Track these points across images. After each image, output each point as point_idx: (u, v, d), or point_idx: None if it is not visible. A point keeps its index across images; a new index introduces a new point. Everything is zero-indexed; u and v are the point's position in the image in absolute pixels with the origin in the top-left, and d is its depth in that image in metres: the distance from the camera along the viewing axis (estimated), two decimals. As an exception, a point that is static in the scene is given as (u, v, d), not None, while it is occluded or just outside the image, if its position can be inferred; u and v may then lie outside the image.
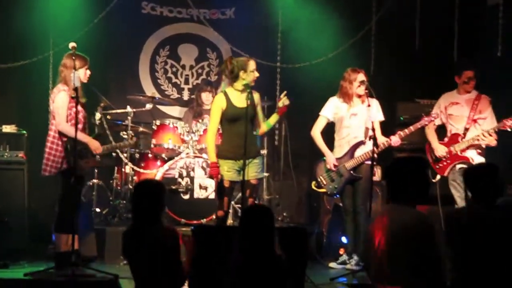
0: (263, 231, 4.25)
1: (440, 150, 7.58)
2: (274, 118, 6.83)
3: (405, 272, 4.43)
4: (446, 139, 7.64)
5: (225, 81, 6.80)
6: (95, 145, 6.77)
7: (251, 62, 6.65)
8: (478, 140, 7.39)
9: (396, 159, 4.73)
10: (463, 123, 7.57)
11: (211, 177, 6.79)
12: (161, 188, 4.95)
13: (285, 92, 6.80)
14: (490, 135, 7.36)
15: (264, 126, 6.80)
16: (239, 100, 6.61)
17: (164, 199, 4.89)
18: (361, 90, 7.13)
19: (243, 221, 4.34)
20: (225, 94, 6.66)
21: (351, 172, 7.14)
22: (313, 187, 7.35)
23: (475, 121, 7.51)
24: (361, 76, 7.13)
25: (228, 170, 6.60)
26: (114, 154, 8.17)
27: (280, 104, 6.69)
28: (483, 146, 7.44)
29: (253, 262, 4.17)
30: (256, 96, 6.71)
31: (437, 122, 7.68)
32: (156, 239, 4.75)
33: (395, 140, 7.16)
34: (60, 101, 6.54)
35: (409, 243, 4.40)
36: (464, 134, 7.52)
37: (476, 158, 7.47)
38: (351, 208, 7.18)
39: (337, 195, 7.34)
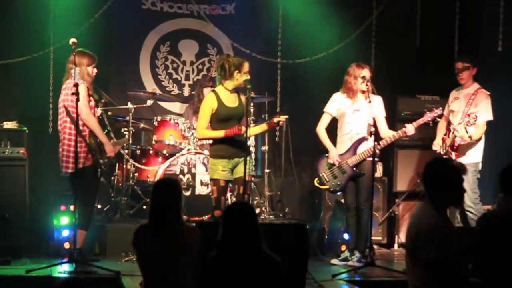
0: (245, 228, 4.18)
1: (435, 143, 7.60)
2: (260, 129, 6.87)
3: (408, 266, 4.54)
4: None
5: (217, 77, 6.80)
6: (110, 148, 6.88)
7: (246, 64, 6.68)
8: (455, 136, 7.37)
9: (435, 159, 4.73)
10: (458, 118, 7.52)
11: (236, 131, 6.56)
12: (180, 186, 5.03)
13: (286, 116, 6.87)
14: (466, 130, 7.29)
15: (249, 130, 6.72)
16: (230, 100, 6.64)
17: (181, 197, 4.94)
18: (365, 86, 7.10)
19: (225, 218, 4.30)
20: (215, 93, 6.65)
21: (354, 168, 7.13)
22: (316, 184, 7.34)
23: (468, 115, 7.44)
24: (365, 72, 7.11)
25: (223, 170, 6.61)
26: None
27: (275, 120, 6.66)
28: (458, 141, 7.38)
29: (234, 259, 4.12)
30: (243, 98, 6.73)
31: (446, 115, 7.67)
32: (176, 236, 4.76)
33: (410, 128, 7.11)
34: (81, 94, 6.54)
35: (408, 241, 4.51)
36: (454, 129, 7.45)
37: (462, 156, 7.41)
38: (354, 205, 7.17)
39: (340, 192, 7.34)
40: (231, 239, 4.15)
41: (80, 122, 6.64)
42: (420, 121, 7.19)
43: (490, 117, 7.42)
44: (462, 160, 7.38)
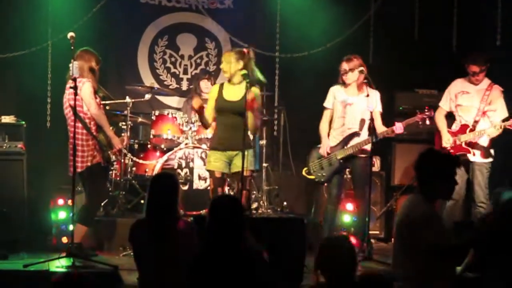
0: (230, 222, 4.19)
1: (445, 139, 7.52)
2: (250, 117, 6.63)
3: (396, 258, 4.57)
4: (453, 128, 7.56)
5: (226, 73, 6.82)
6: (117, 141, 6.90)
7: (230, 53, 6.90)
8: (484, 133, 7.34)
9: (429, 150, 4.73)
10: (472, 114, 7.47)
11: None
12: (178, 181, 5.02)
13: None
14: (500, 127, 7.26)
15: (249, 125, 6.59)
16: (233, 93, 6.64)
17: (179, 192, 4.93)
18: (349, 78, 7.11)
19: (211, 211, 4.30)
20: (221, 85, 6.79)
21: (341, 160, 7.11)
22: (304, 173, 7.37)
23: (484, 113, 7.42)
24: (344, 65, 7.13)
25: (215, 161, 6.66)
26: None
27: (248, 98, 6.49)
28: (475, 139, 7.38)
29: (218, 253, 4.13)
30: (256, 91, 6.66)
31: (446, 108, 7.64)
32: (173, 231, 4.76)
33: (399, 126, 7.07)
34: (88, 91, 6.62)
35: (398, 232, 4.56)
36: (474, 126, 7.42)
37: (477, 154, 7.42)
38: (336, 198, 7.18)
39: (325, 183, 7.32)
40: (215, 232, 4.16)
41: (87, 120, 6.67)
42: (409, 120, 7.14)
43: (506, 114, 7.42)
44: (479, 158, 7.38)
